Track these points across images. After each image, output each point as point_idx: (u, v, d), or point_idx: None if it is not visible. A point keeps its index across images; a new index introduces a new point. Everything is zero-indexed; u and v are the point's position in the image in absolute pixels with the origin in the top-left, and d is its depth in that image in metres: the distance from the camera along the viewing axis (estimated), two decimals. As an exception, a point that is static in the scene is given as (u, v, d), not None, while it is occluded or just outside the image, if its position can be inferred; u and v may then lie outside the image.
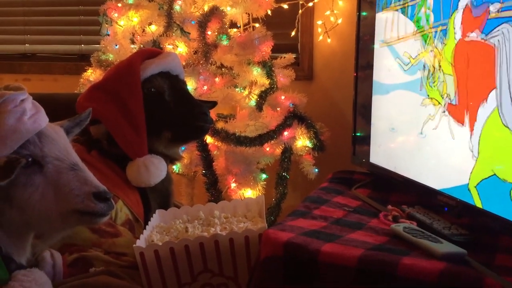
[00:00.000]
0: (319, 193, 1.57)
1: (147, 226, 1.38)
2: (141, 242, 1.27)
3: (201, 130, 1.68)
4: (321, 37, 2.71)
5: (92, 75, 2.35)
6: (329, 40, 2.70)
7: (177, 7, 2.26)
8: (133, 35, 2.37)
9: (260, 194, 2.26)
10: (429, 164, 1.46)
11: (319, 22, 2.69)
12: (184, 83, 1.73)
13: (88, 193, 1.09)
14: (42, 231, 1.20)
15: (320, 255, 1.09)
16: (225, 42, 2.27)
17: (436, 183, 1.41)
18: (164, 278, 1.26)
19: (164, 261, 1.24)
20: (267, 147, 2.34)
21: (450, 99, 1.35)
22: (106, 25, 2.39)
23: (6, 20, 3.20)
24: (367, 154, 1.78)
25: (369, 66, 1.80)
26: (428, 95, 1.44)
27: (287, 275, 1.12)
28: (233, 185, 2.23)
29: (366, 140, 1.80)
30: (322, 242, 1.13)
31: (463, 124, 1.29)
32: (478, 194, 1.24)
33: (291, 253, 1.11)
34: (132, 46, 2.36)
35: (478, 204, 1.24)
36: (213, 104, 1.80)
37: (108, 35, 2.38)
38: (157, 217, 1.47)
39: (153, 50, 1.75)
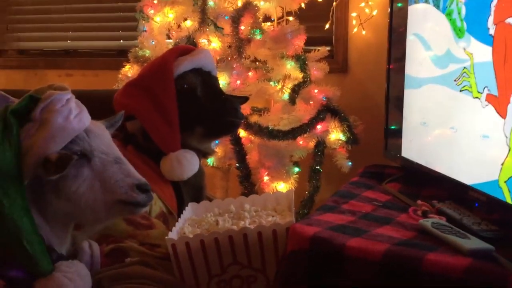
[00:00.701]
0: (349, 188, 1.58)
1: (179, 219, 1.43)
2: (173, 234, 1.32)
3: (232, 125, 1.72)
4: (355, 29, 2.70)
5: (130, 70, 2.42)
6: (363, 32, 2.69)
7: (211, 2, 2.28)
8: (169, 31, 2.42)
9: (293, 187, 2.29)
10: (460, 159, 1.44)
11: (354, 14, 2.68)
12: (216, 79, 1.77)
13: (131, 185, 1.17)
14: (85, 221, 1.27)
15: (345, 249, 1.10)
16: (258, 37, 2.28)
17: (467, 178, 1.39)
18: (195, 269, 1.30)
19: (195, 252, 1.28)
20: (300, 141, 2.35)
21: (489, 89, 1.32)
22: (143, 22, 2.45)
23: (49, 17, 3.30)
24: (399, 148, 1.78)
25: (402, 59, 1.79)
26: (465, 87, 1.42)
27: (313, 269, 1.14)
28: (266, 178, 2.26)
29: (398, 134, 1.79)
30: (348, 237, 1.14)
31: (502, 116, 1.26)
32: (508, 189, 1.22)
33: (317, 247, 1.13)
34: (168, 41, 2.41)
35: (509, 200, 1.23)
36: (245, 99, 1.83)
37: (145, 31, 2.44)
38: (190, 210, 1.51)
39: (187, 47, 1.79)
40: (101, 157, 1.17)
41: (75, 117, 1.16)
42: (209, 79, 1.70)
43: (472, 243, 1.12)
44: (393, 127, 1.85)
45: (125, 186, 1.17)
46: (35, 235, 1.12)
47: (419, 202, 1.41)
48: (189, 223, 1.43)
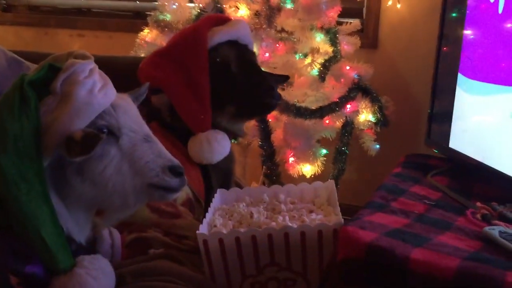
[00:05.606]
0: (394, 181, 1.43)
1: (209, 209, 1.29)
2: (204, 228, 1.18)
3: (267, 107, 1.56)
4: (390, 2, 2.52)
5: (149, 35, 2.24)
6: (398, 6, 2.50)
7: (240, -35, 2.10)
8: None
9: (319, 170, 2.15)
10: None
11: (389, -15, 2.49)
12: (253, 54, 1.59)
13: (163, 167, 1.04)
14: (111, 207, 1.11)
15: (410, 263, 0.96)
16: (289, 6, 2.12)
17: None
18: (228, 268, 1.17)
19: (228, 250, 1.15)
20: (326, 120, 2.21)
21: None
22: (165, -17, 2.26)
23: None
24: (445, 138, 1.62)
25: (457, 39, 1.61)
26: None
27: (369, 281, 1.00)
28: (291, 159, 2.12)
29: (445, 121, 1.62)
30: (410, 247, 1.00)
31: None
32: None
33: (375, 258, 0.99)
34: (190, 5, 2.22)
35: None
36: (285, 78, 1.67)
37: (167, -7, 2.25)
38: (219, 198, 1.37)
39: (222, 17, 1.62)
40: (130, 135, 1.03)
41: (100, 90, 1.00)
42: (245, 54, 1.53)
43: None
44: (438, 113, 1.68)
45: (157, 168, 1.03)
46: (55, 226, 0.98)
47: (478, 204, 1.27)
48: (220, 213, 1.29)
